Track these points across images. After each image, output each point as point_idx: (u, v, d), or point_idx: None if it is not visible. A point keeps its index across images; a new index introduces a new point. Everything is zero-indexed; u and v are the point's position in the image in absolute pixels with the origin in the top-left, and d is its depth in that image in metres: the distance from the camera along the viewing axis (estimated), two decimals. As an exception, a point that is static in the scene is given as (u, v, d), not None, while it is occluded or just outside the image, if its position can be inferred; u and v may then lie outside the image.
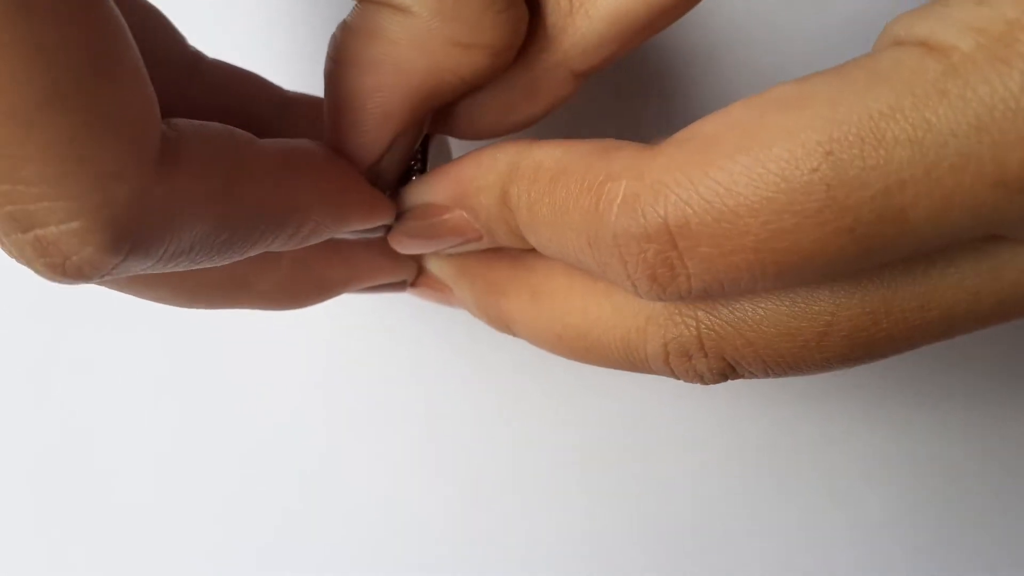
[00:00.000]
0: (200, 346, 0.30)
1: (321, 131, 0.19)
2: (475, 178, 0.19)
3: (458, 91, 0.18)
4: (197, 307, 0.20)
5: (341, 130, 0.18)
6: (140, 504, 0.31)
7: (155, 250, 0.13)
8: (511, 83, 0.19)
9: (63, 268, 0.13)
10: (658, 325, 0.18)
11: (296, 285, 0.21)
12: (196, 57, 0.20)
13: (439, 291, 0.23)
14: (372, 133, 0.18)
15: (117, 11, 0.13)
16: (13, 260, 0.13)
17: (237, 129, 0.15)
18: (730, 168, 0.14)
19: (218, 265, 0.16)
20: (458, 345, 0.30)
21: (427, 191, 0.20)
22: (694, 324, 0.17)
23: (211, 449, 0.31)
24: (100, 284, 0.17)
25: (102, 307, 0.30)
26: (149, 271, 0.14)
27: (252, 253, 0.16)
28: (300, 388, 0.31)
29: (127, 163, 0.12)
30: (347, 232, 0.19)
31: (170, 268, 0.14)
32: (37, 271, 0.13)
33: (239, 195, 0.15)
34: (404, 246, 0.21)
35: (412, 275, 0.23)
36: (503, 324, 0.21)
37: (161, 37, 0.20)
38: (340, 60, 0.18)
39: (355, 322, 0.30)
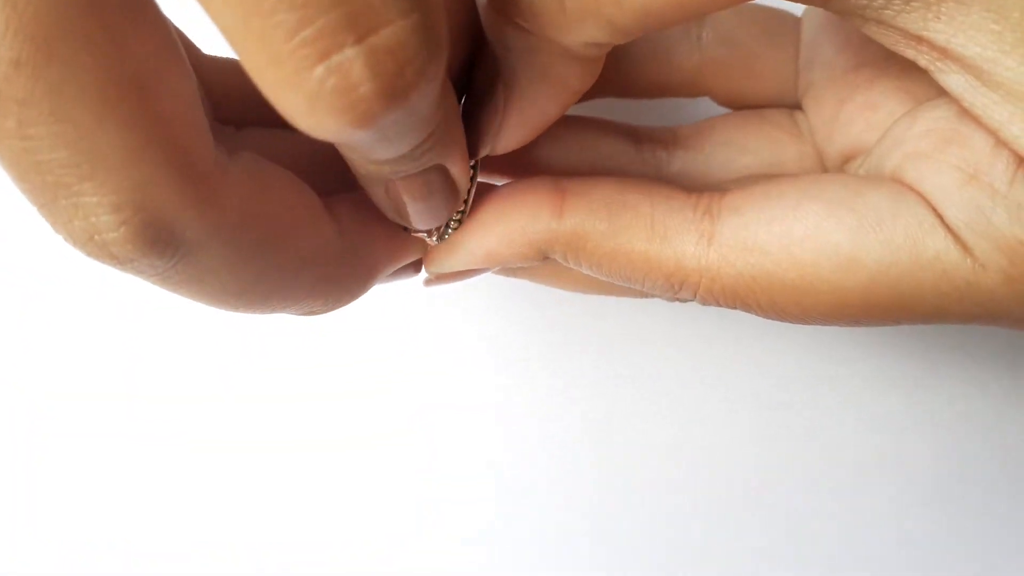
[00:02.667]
0: (203, 344, 0.30)
1: None
2: (509, 256, 0.19)
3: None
4: (244, 304, 0.18)
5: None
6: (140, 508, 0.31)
7: (170, 255, 0.14)
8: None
9: (96, 247, 0.13)
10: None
11: (347, 265, 0.19)
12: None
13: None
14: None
15: (171, 26, 0.13)
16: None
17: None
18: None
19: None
20: (462, 336, 0.30)
21: (456, 263, 0.20)
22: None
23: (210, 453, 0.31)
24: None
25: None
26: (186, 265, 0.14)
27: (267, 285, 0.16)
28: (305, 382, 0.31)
29: (165, 176, 0.13)
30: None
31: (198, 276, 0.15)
32: (80, 247, 0.13)
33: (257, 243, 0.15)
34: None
35: (422, 252, 0.21)
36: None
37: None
38: None
39: (357, 320, 0.30)
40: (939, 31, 0.15)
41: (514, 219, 0.19)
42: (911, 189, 0.17)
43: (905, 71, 0.20)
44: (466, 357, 0.30)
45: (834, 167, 0.21)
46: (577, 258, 0.19)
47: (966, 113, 0.17)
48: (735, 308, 0.18)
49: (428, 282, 0.21)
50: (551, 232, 0.19)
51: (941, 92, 0.19)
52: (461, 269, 0.20)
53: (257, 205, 0.15)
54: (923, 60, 0.16)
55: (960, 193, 0.17)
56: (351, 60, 0.11)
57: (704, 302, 0.18)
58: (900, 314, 0.17)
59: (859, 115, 0.20)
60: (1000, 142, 0.16)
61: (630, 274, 0.19)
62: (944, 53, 0.15)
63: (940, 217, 0.17)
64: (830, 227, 0.17)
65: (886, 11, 0.15)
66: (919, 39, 0.15)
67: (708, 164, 0.22)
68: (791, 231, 0.17)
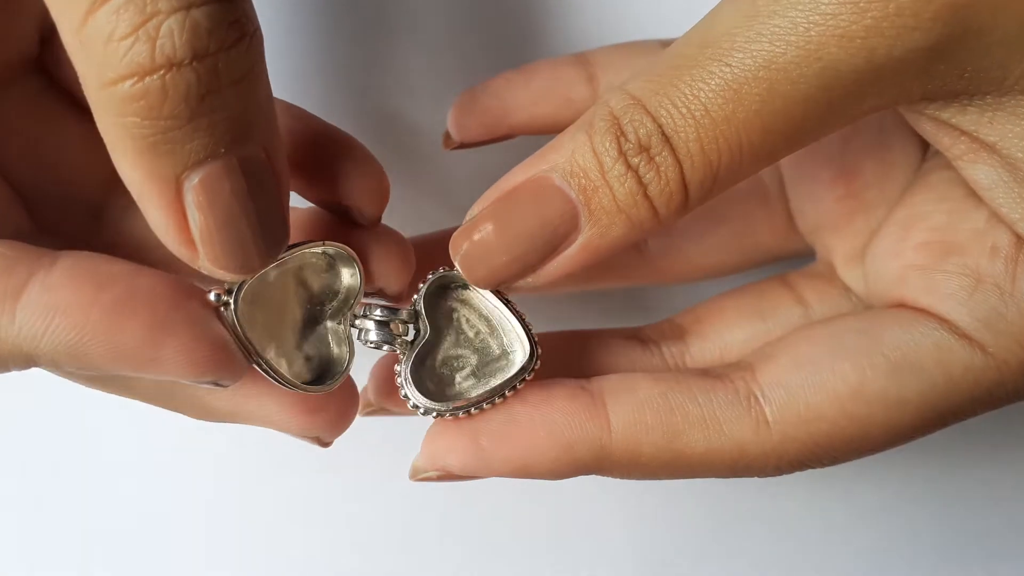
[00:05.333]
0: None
1: None
2: (544, 474, 0.18)
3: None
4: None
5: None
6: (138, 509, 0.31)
7: None
8: None
9: None
10: None
11: (172, 400, 0.19)
12: None
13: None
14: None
15: None
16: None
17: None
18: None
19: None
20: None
21: (481, 472, 0.18)
22: None
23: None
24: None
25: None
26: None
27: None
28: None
29: None
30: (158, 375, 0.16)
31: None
32: None
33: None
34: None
35: (324, 433, 0.19)
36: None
37: None
38: None
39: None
40: (988, 133, 0.17)
41: (556, 432, 0.18)
42: (916, 309, 0.19)
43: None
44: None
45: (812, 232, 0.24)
46: (630, 472, 0.18)
47: (967, 206, 0.19)
48: (795, 472, 0.19)
49: (416, 477, 0.20)
50: (602, 448, 0.18)
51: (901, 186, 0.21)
52: (481, 477, 0.19)
53: None
54: (958, 149, 0.18)
55: (972, 300, 0.18)
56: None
57: (766, 476, 0.19)
58: (941, 427, 0.19)
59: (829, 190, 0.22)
60: (1012, 239, 0.18)
61: (689, 474, 0.19)
62: (992, 149, 0.17)
63: (954, 329, 0.18)
64: (871, 377, 0.18)
65: (943, 112, 0.17)
66: (969, 135, 0.17)
67: (723, 348, 0.22)
68: (838, 392, 0.18)
